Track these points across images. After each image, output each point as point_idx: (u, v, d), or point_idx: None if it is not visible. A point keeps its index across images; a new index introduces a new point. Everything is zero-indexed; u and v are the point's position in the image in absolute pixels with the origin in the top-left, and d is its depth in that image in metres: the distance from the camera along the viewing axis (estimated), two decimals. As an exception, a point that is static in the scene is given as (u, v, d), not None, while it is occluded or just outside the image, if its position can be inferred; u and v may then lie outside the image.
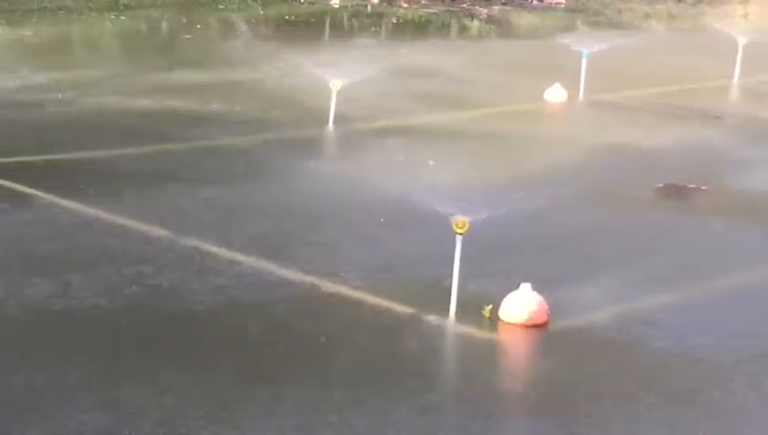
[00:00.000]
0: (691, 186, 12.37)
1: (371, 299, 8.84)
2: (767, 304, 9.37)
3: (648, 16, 27.72)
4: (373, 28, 23.00)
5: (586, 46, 16.53)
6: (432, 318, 8.52)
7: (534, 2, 26.65)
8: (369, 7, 24.52)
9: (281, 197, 11.32)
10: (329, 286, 9.06)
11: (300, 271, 9.30)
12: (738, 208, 11.79)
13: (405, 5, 25.19)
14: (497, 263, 9.68)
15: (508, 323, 8.47)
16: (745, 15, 28.82)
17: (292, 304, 8.78)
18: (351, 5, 24.61)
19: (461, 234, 8.45)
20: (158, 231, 10.04)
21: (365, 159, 12.71)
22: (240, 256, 9.54)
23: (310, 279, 9.15)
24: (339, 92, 13.90)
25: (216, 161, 12.58)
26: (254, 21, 22.58)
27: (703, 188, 12.33)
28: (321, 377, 7.58)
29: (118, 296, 8.66)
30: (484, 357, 8.21)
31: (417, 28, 23.53)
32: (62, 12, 21.52)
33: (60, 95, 14.91)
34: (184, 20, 21.73)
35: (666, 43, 23.35)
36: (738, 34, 18.47)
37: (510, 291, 8.57)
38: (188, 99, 15.07)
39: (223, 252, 9.62)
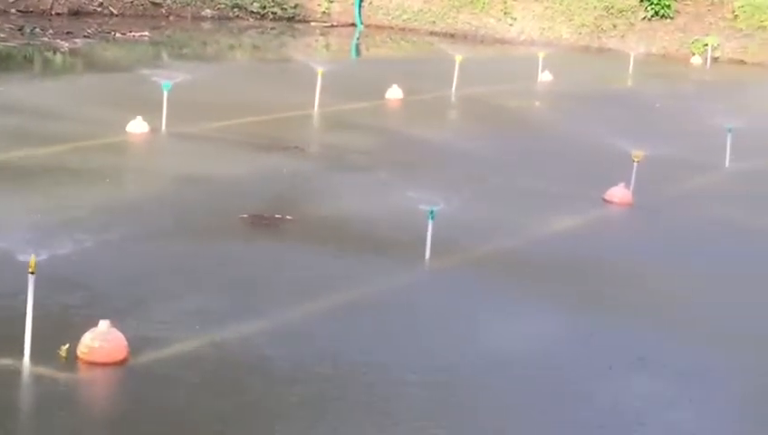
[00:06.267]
0: (276, 215, 12.48)
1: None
2: (362, 323, 9.66)
3: (233, 48, 28.02)
4: (-53, 63, 22.09)
5: (169, 78, 16.44)
6: (6, 362, 8.18)
7: (117, 35, 26.33)
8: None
9: None
10: None
11: None
12: (323, 235, 11.99)
13: (-19, 39, 24.31)
14: (76, 300, 9.42)
15: (87, 362, 8.26)
16: (327, 47, 29.64)
17: None
18: None
19: (32, 273, 8.17)
20: None
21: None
22: None
23: None
24: None
25: None
26: None
27: (288, 217, 12.46)
28: None
29: None
30: (60, 399, 7.94)
31: (-3, 62, 22.77)
32: None
33: None
34: None
35: (250, 74, 23.66)
36: (318, 65, 18.89)
37: (88, 329, 8.37)
38: None
39: None
